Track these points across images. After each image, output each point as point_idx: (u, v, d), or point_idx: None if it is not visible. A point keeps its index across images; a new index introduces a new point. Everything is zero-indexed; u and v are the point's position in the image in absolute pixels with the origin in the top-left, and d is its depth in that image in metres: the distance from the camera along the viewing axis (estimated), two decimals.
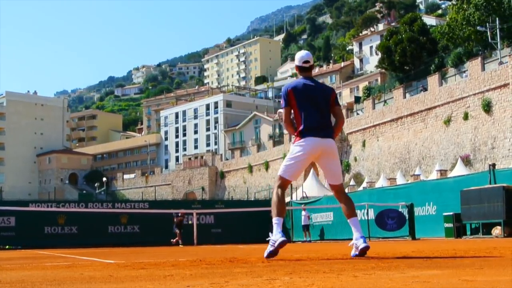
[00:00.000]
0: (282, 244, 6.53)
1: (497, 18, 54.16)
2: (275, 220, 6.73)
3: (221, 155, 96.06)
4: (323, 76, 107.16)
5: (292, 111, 6.85)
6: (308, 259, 6.53)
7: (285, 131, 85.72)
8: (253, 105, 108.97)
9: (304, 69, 7.00)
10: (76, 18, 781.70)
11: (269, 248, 6.60)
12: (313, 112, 6.80)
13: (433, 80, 52.05)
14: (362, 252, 6.59)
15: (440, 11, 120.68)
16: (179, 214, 28.61)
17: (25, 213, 28.80)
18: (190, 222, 29.77)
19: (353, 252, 6.74)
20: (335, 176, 6.95)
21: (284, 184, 6.90)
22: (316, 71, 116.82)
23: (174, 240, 27.76)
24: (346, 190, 45.27)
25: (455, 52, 61.64)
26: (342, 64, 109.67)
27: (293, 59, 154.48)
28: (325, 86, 7.18)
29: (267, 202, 38.61)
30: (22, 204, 32.14)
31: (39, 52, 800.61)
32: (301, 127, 6.76)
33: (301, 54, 7.04)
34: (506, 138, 43.27)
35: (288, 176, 6.88)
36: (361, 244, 6.57)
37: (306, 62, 6.98)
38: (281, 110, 6.97)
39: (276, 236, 6.59)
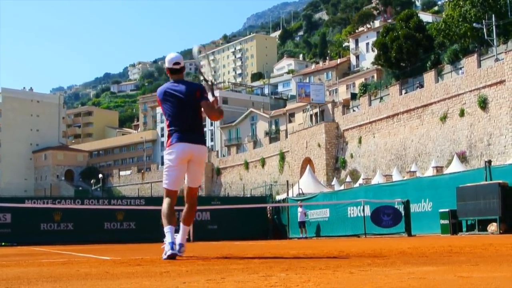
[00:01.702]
0: (173, 256, 6.58)
1: (493, 15, 54.19)
2: (166, 229, 6.73)
3: (217, 151, 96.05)
4: (319, 73, 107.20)
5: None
6: (304, 255, 6.54)
7: (281, 127, 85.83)
8: (249, 102, 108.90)
9: (174, 71, 6.92)
10: (72, 15, 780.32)
11: (164, 255, 6.69)
12: (181, 117, 6.73)
13: (429, 76, 52.07)
14: (170, 258, 6.60)
15: (436, 8, 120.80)
16: None
17: (21, 210, 28.76)
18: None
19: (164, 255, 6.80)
20: (195, 181, 7.00)
21: (169, 193, 6.93)
22: (312, 67, 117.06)
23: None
24: (342, 187, 45.15)
25: (451, 49, 61.68)
26: (338, 60, 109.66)
27: (289, 56, 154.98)
28: (192, 85, 7.01)
29: (263, 199, 38.73)
30: (18, 201, 32.12)
31: (35, 48, 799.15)
32: (170, 134, 6.75)
33: (171, 56, 6.96)
34: (502, 135, 43.33)
35: (170, 186, 6.90)
36: (169, 250, 6.61)
37: (177, 63, 6.91)
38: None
39: (166, 247, 6.65)
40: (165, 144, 6.96)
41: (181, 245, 6.67)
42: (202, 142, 6.85)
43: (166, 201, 6.93)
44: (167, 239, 6.66)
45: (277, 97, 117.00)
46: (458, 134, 47.31)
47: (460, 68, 54.55)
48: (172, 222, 6.77)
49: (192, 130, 6.75)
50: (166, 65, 6.95)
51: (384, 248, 8.65)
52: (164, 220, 6.80)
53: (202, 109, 6.85)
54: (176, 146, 6.68)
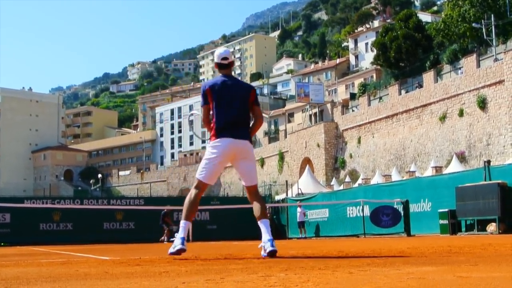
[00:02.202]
0: (179, 252, 6.56)
1: (492, 15, 54.19)
2: (182, 223, 6.69)
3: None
4: (318, 73, 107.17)
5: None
6: (303, 255, 6.54)
7: (281, 127, 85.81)
8: None
9: (223, 66, 6.88)
10: (71, 15, 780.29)
11: (171, 249, 6.65)
12: (229, 111, 6.69)
13: (428, 76, 52.08)
14: (270, 255, 6.46)
15: (435, 8, 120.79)
16: (166, 210, 28.24)
17: (20, 210, 28.74)
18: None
19: (262, 253, 6.64)
20: (249, 178, 6.85)
21: (200, 186, 6.82)
22: (311, 67, 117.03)
23: (165, 238, 27.48)
24: (342, 187, 45.16)
25: (450, 49, 61.69)
26: (338, 60, 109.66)
27: (289, 56, 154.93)
28: (245, 85, 7.06)
29: (262, 199, 38.74)
30: (17, 201, 32.13)
31: (34, 48, 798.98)
32: (216, 127, 6.68)
33: (220, 51, 6.93)
34: (501, 135, 43.34)
35: (205, 179, 6.76)
36: (268, 247, 6.46)
37: (225, 59, 6.86)
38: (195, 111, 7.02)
39: (177, 241, 6.61)
40: (207, 137, 6.91)
41: (271, 240, 6.52)
42: (248, 138, 6.77)
43: (194, 192, 6.82)
44: (180, 233, 6.62)
45: (276, 97, 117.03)
46: (457, 134, 47.32)
47: (459, 68, 54.57)
48: (190, 217, 6.75)
49: (239, 125, 6.71)
50: (215, 60, 6.94)
51: (383, 248, 8.65)
52: (184, 212, 6.76)
53: (253, 112, 6.88)
54: (222, 140, 6.63)
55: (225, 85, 6.74)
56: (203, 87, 6.79)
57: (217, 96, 6.69)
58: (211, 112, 6.76)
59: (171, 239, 26.93)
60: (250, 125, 6.90)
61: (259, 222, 6.75)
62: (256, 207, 6.81)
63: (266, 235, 6.55)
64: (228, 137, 6.61)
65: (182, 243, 6.56)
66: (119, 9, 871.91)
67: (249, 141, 6.79)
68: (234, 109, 6.69)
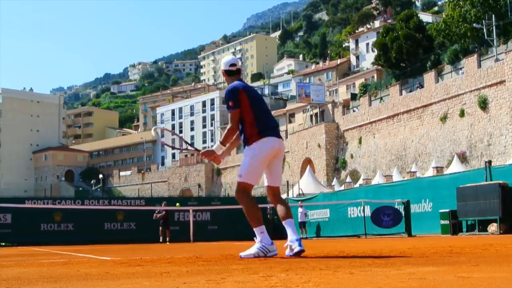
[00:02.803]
0: (299, 253, 6.42)
1: (493, 15, 54.19)
2: (259, 229, 6.50)
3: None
4: (319, 73, 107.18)
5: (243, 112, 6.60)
6: (304, 256, 6.53)
7: (282, 128, 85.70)
8: None
9: (232, 73, 6.84)
10: (72, 15, 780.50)
11: (272, 250, 6.49)
12: (267, 112, 6.75)
13: (429, 77, 52.08)
14: (297, 255, 6.43)
15: (436, 8, 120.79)
16: (161, 211, 28.15)
17: (21, 210, 28.72)
18: (182, 218, 29.78)
19: (288, 252, 6.57)
20: (277, 178, 6.81)
21: (249, 189, 6.69)
22: (312, 68, 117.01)
23: (167, 238, 27.46)
24: (342, 187, 45.23)
25: (451, 49, 61.68)
26: (339, 61, 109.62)
27: (289, 56, 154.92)
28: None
29: (263, 199, 38.62)
30: (18, 201, 32.09)
31: (35, 49, 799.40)
32: (260, 127, 6.58)
33: (227, 59, 6.94)
34: (502, 135, 43.33)
35: (254, 181, 6.65)
36: (296, 247, 6.41)
37: (233, 65, 6.85)
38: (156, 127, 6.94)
39: (271, 247, 6.47)
40: (242, 139, 6.78)
41: (299, 239, 6.50)
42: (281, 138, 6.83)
43: (247, 197, 6.65)
44: (265, 238, 6.46)
45: (277, 98, 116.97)
46: (458, 134, 47.31)
47: (460, 69, 54.56)
48: (261, 220, 6.58)
49: (277, 127, 6.80)
50: (223, 67, 6.90)
51: (384, 248, 8.65)
52: (252, 220, 6.56)
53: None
54: (269, 139, 6.57)
55: (253, 89, 6.84)
56: (234, 89, 6.62)
57: (252, 98, 6.65)
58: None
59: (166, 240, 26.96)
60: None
61: (284, 222, 6.68)
62: (280, 207, 6.73)
63: (293, 235, 6.51)
64: (272, 136, 6.60)
65: (274, 247, 6.45)
66: (120, 9, 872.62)
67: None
68: (269, 112, 6.82)
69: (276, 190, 6.84)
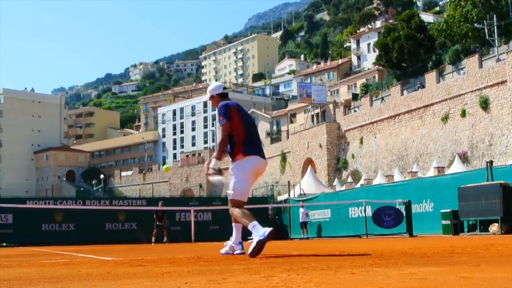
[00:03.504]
0: (271, 234, 6.45)
1: (494, 15, 54.17)
2: (251, 225, 6.63)
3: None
4: (320, 73, 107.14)
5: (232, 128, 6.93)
6: (305, 256, 6.53)
7: (283, 128, 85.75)
8: (251, 102, 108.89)
9: (225, 95, 7.28)
10: (74, 15, 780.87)
11: (260, 236, 6.51)
12: (255, 132, 7.10)
13: (430, 77, 52.06)
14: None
15: (437, 8, 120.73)
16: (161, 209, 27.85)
17: (23, 210, 28.74)
18: (184, 218, 29.78)
19: (225, 250, 7.15)
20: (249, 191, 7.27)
21: (239, 205, 6.96)
22: (313, 68, 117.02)
23: (164, 238, 27.16)
24: (344, 187, 45.33)
25: (452, 49, 61.66)
26: (340, 61, 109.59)
27: (291, 56, 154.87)
28: None
29: (265, 200, 38.70)
30: (19, 201, 32.10)
31: (37, 49, 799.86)
32: (246, 145, 6.88)
33: (216, 85, 7.39)
34: (503, 135, 43.31)
35: (244, 197, 6.99)
36: (237, 250, 6.87)
37: (224, 88, 7.35)
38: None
39: (263, 228, 6.52)
40: (214, 154, 7.07)
41: (241, 243, 6.99)
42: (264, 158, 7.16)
43: (238, 210, 6.94)
44: (257, 229, 6.56)
45: (278, 98, 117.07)
46: (460, 134, 47.29)
47: (462, 69, 54.53)
48: (254, 218, 6.77)
49: (261, 147, 7.15)
50: (215, 92, 7.28)
51: (385, 248, 8.65)
52: (245, 221, 6.79)
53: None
54: (252, 158, 6.90)
55: (243, 109, 7.16)
56: (226, 106, 6.98)
57: (242, 116, 6.99)
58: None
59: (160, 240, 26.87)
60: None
61: (234, 225, 7.27)
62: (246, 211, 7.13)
63: (238, 238, 7.16)
64: (257, 155, 6.95)
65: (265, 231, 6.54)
66: (121, 10, 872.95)
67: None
68: (255, 131, 7.14)
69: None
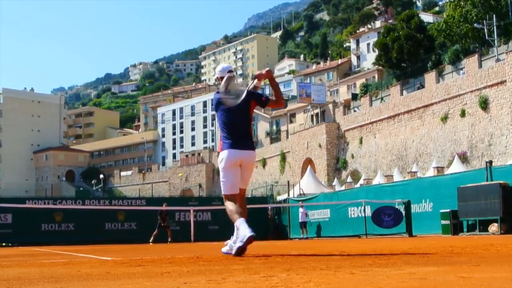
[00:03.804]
0: (250, 240, 6.59)
1: (494, 15, 54.18)
2: (239, 221, 6.78)
3: (218, 152, 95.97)
4: (320, 73, 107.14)
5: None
6: (305, 256, 6.53)
7: (282, 128, 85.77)
8: None
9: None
10: (73, 15, 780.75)
11: (239, 242, 6.68)
12: (238, 124, 7.10)
13: (430, 77, 52.07)
14: (237, 254, 6.75)
15: (437, 8, 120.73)
16: (165, 210, 28.00)
17: (22, 210, 28.75)
18: (183, 218, 29.79)
19: (226, 250, 7.14)
20: (245, 182, 7.26)
21: (232, 198, 7.09)
22: (313, 68, 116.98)
23: (169, 238, 27.28)
24: (343, 187, 45.23)
25: (452, 49, 61.67)
26: (339, 61, 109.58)
27: (290, 56, 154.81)
28: (245, 93, 7.21)
29: (264, 199, 38.72)
30: (18, 201, 32.10)
31: (36, 49, 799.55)
32: (224, 139, 7.08)
33: (222, 67, 7.33)
34: (503, 135, 43.32)
35: (231, 191, 7.10)
36: (248, 233, 6.72)
37: (230, 71, 7.24)
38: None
39: (245, 231, 6.63)
40: (215, 150, 7.39)
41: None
42: (250, 147, 7.16)
43: (230, 204, 7.06)
44: (242, 228, 6.69)
45: None
46: (459, 134, 47.30)
47: (461, 69, 54.54)
48: (243, 215, 6.94)
49: (243, 137, 7.10)
50: (221, 75, 7.27)
51: (385, 248, 8.65)
52: (234, 216, 6.93)
53: (269, 102, 7.36)
54: (228, 152, 7.03)
55: (226, 99, 7.05)
56: (215, 98, 7.19)
57: (226, 110, 7.08)
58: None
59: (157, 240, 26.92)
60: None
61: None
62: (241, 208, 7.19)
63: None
64: (234, 148, 7.02)
65: (252, 231, 6.64)
66: (121, 9, 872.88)
67: (253, 151, 7.23)
68: (236, 123, 7.12)
69: (242, 192, 7.29)
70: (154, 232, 26.85)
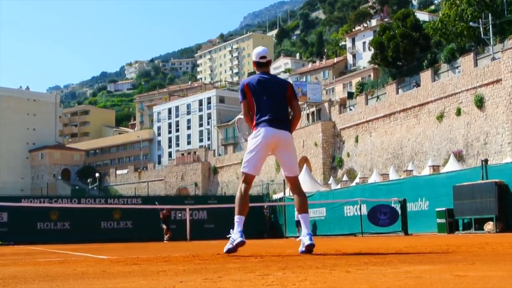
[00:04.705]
0: (240, 245, 6.63)
1: (489, 14, 54.26)
2: (236, 218, 6.81)
3: (214, 150, 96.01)
4: (316, 72, 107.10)
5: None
6: (301, 254, 6.54)
7: None
8: None
9: (261, 65, 7.12)
10: (69, 14, 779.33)
11: (228, 245, 6.74)
12: (268, 103, 6.88)
13: (425, 75, 52.13)
14: (308, 249, 6.63)
15: (433, 7, 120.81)
16: (164, 210, 28.33)
17: (18, 209, 28.73)
18: (179, 217, 29.80)
19: (301, 248, 6.79)
20: (291, 169, 6.99)
21: (247, 179, 6.93)
22: (309, 66, 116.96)
23: (166, 237, 27.51)
24: (339, 186, 45.08)
25: (447, 48, 61.74)
26: (335, 59, 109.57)
27: (286, 55, 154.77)
28: (281, 80, 7.29)
29: (260, 198, 38.71)
30: (14, 200, 32.09)
31: (32, 47, 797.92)
32: (257, 119, 6.86)
33: (258, 50, 7.20)
34: (498, 134, 43.39)
35: (250, 170, 6.88)
36: (306, 241, 6.62)
37: (263, 57, 7.10)
38: (240, 116, 7.22)
39: (235, 235, 6.68)
40: (247, 132, 7.21)
41: (310, 235, 6.72)
42: (287, 129, 6.92)
43: (243, 186, 6.94)
44: (236, 228, 6.71)
45: None
46: (455, 133, 47.37)
47: (457, 67, 54.62)
48: (244, 212, 6.87)
49: (279, 118, 6.88)
50: (254, 58, 7.21)
51: (380, 247, 8.65)
52: (236, 208, 6.88)
53: (291, 106, 7.11)
54: (262, 130, 6.78)
55: (262, 81, 6.97)
56: (241, 84, 7.11)
57: (254, 91, 6.91)
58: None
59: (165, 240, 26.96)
60: (290, 118, 7.11)
61: (299, 216, 7.06)
62: (296, 200, 7.06)
63: (304, 229, 6.80)
64: (268, 127, 6.77)
65: (242, 236, 6.64)
66: (117, 8, 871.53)
67: (289, 132, 6.95)
68: (272, 103, 6.89)
69: (292, 180, 7.08)
70: (164, 230, 27.25)
